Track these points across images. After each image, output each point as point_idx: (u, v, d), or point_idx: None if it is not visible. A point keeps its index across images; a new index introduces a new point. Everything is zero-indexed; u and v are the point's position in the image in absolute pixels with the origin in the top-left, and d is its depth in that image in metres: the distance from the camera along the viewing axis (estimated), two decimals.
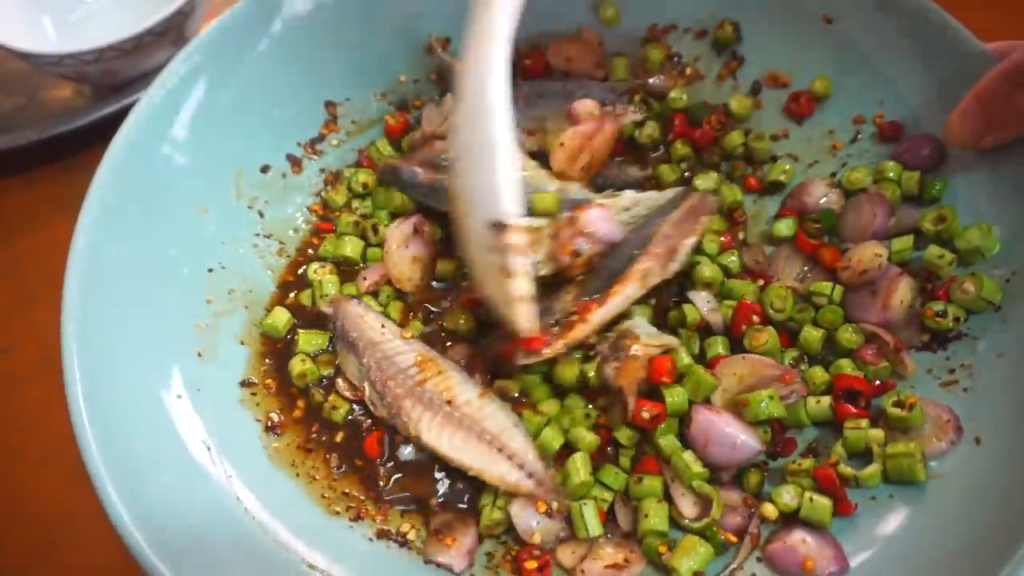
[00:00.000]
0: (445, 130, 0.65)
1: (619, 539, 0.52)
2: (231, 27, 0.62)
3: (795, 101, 0.65)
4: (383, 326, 0.58)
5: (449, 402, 0.53)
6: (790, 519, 0.51)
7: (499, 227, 0.51)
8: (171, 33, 0.73)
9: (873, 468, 0.50)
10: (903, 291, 0.55)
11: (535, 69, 0.70)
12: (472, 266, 0.55)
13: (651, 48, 0.69)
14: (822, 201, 0.61)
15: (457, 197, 0.54)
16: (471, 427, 0.52)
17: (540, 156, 0.63)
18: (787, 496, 0.50)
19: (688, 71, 0.70)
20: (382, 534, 0.52)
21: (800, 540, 0.49)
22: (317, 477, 0.54)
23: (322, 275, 0.62)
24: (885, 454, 0.50)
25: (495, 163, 0.52)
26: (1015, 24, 0.56)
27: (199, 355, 0.57)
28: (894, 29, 0.60)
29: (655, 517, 0.50)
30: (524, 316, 0.52)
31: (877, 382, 0.54)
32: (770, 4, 0.65)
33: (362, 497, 0.54)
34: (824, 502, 0.49)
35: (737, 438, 0.50)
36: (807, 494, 0.50)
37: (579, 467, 0.52)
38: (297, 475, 0.54)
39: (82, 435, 0.46)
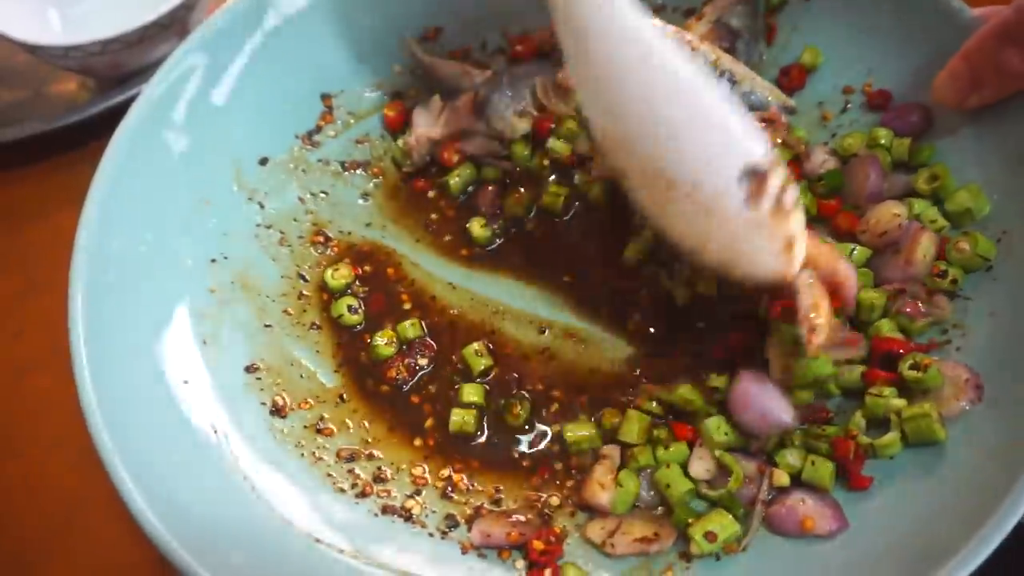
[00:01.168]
0: (440, 132, 0.66)
1: (649, 514, 0.52)
2: (227, 22, 0.63)
3: (786, 75, 0.66)
4: None
5: None
6: (793, 483, 0.51)
7: (758, 174, 0.45)
8: (175, 25, 0.75)
9: (890, 436, 0.49)
10: (926, 245, 0.55)
11: (525, 55, 0.71)
12: (708, 244, 0.49)
13: None
14: (823, 166, 0.61)
15: (655, 174, 0.47)
16: None
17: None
18: (790, 458, 0.51)
19: None
20: (387, 509, 0.54)
21: (799, 500, 0.49)
22: (323, 457, 0.56)
23: None
24: (902, 420, 0.49)
25: (718, 112, 0.46)
26: None
27: (204, 342, 0.58)
28: None
29: (676, 483, 0.51)
30: (799, 256, 0.48)
31: (922, 341, 0.53)
32: None
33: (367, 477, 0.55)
34: (827, 465, 0.50)
35: (769, 409, 0.50)
36: (810, 457, 0.50)
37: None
38: (302, 455, 0.55)
39: (93, 422, 0.48)
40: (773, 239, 0.47)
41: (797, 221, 0.48)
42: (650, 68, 0.45)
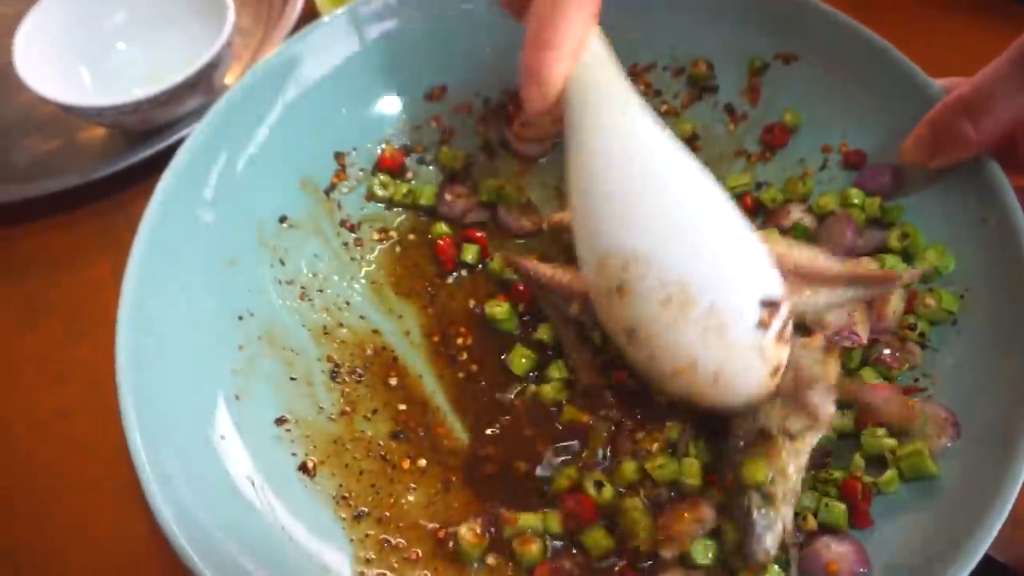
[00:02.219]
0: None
1: None
2: (247, 94, 0.67)
3: (769, 132, 0.71)
4: None
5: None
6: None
7: (773, 303, 0.49)
8: (202, 83, 0.79)
9: (890, 473, 0.53)
10: (895, 302, 0.60)
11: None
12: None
13: None
14: (799, 221, 0.67)
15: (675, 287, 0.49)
16: None
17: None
18: (805, 501, 0.54)
19: (664, 108, 0.76)
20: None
21: (824, 546, 0.52)
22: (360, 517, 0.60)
23: None
24: (897, 458, 0.54)
25: (741, 236, 0.50)
26: (959, 63, 0.62)
27: (236, 397, 0.62)
28: (850, 67, 0.67)
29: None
30: (774, 385, 0.52)
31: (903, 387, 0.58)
32: (737, 46, 0.72)
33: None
34: (839, 506, 0.53)
35: None
36: (823, 499, 0.54)
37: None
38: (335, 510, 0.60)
39: (142, 471, 0.52)
40: (766, 364, 0.51)
41: (786, 352, 0.52)
42: (681, 183, 0.50)
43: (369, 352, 0.68)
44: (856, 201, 0.65)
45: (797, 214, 0.67)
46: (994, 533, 0.47)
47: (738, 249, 0.51)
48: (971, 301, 0.58)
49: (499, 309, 0.66)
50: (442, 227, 0.72)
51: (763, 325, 0.49)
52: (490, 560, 0.57)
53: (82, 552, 0.63)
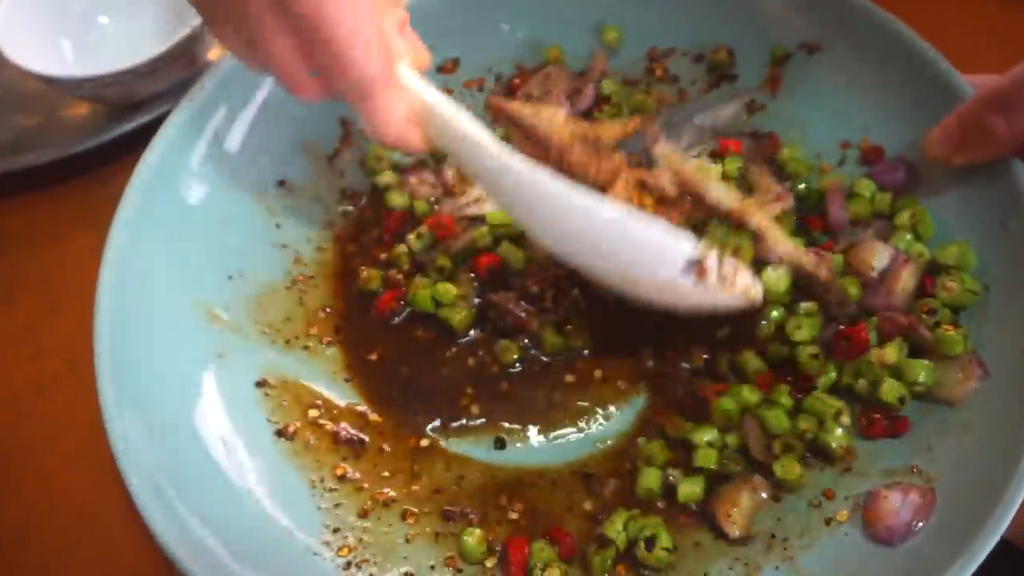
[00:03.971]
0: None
1: None
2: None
3: (763, 139, 0.69)
4: None
5: None
6: None
7: (697, 263, 0.53)
8: (184, 56, 0.78)
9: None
10: (906, 277, 0.58)
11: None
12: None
13: (639, 94, 0.73)
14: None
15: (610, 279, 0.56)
16: None
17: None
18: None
19: (683, 94, 0.73)
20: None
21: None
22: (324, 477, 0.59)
23: None
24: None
25: (641, 231, 0.53)
26: (993, 58, 0.59)
27: (219, 356, 0.61)
28: (877, 59, 0.64)
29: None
30: (755, 294, 0.56)
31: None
32: (760, 34, 0.69)
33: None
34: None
35: None
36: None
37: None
38: (306, 474, 0.58)
39: (115, 434, 0.51)
40: (730, 295, 0.55)
41: (744, 276, 0.55)
42: (553, 201, 0.53)
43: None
44: (864, 192, 0.62)
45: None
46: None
47: (642, 237, 0.54)
48: (984, 303, 0.55)
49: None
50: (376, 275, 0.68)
51: (700, 278, 0.53)
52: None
53: (57, 528, 0.63)
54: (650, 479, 0.56)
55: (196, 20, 0.78)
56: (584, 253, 0.55)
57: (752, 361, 0.59)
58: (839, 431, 0.55)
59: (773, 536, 0.53)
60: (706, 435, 0.57)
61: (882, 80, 0.64)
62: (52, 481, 0.65)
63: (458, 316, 0.64)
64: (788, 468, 0.54)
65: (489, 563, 0.55)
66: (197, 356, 0.60)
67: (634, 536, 0.54)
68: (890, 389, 0.54)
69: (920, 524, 0.48)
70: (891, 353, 0.55)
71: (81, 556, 0.62)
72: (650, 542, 0.53)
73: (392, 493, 0.58)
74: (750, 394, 0.57)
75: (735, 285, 0.54)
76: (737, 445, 0.57)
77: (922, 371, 0.54)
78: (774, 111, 0.70)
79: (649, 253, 0.54)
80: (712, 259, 0.54)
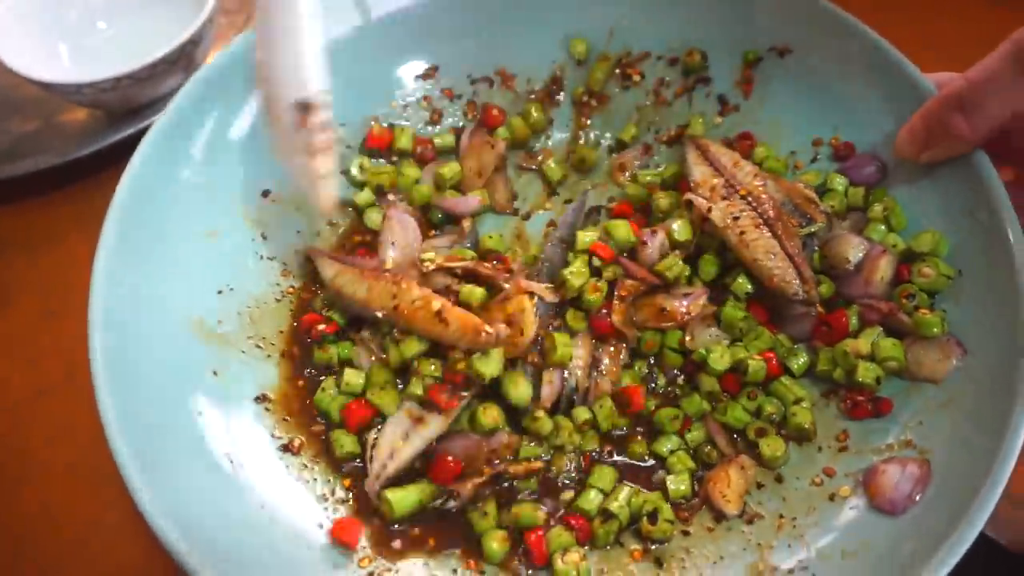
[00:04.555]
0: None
1: None
2: (228, 62, 0.65)
3: (744, 139, 0.72)
4: None
5: None
6: None
7: (305, 107, 0.55)
8: (182, 60, 0.76)
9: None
10: (884, 267, 0.62)
11: None
12: (277, 144, 0.59)
13: (598, 64, 0.75)
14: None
15: (262, 75, 0.58)
16: None
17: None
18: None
19: (659, 96, 0.76)
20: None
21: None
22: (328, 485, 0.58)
23: None
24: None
25: (298, 43, 0.55)
26: (947, 62, 0.63)
27: (214, 373, 0.59)
28: (846, 61, 0.67)
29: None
30: (326, 194, 0.58)
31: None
32: (732, 37, 0.72)
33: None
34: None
35: None
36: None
37: None
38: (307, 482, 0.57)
39: (118, 452, 0.49)
40: (309, 168, 0.57)
41: (325, 164, 0.57)
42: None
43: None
44: (837, 187, 0.66)
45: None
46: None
47: (288, 50, 0.55)
48: (957, 290, 0.59)
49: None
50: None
51: (298, 127, 0.55)
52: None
53: (53, 538, 0.60)
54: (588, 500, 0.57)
55: (196, 23, 0.77)
56: (264, 42, 0.57)
57: (706, 380, 0.62)
58: (802, 411, 0.59)
59: (781, 516, 0.56)
60: (667, 444, 0.60)
61: (850, 80, 0.68)
62: (51, 488, 0.63)
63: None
64: (773, 447, 0.58)
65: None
66: (194, 373, 0.58)
67: (637, 511, 0.56)
68: (865, 371, 0.58)
69: (919, 494, 0.51)
70: (864, 344, 0.59)
71: (79, 564, 0.60)
72: (653, 516, 0.55)
73: None
74: (700, 403, 0.61)
75: (315, 159, 0.57)
76: (703, 440, 0.60)
77: (891, 348, 0.58)
78: (747, 111, 0.73)
79: (290, 62, 0.56)
80: (321, 116, 0.56)
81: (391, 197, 0.72)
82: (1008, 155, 0.61)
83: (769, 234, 0.61)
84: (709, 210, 0.62)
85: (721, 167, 0.65)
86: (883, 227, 0.64)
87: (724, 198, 0.63)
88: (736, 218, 0.62)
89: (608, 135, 0.77)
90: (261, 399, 0.61)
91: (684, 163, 0.67)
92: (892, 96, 0.65)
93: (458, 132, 0.76)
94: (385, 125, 0.74)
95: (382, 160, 0.74)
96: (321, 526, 0.55)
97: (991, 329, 0.55)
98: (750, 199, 0.62)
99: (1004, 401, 0.51)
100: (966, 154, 0.59)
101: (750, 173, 0.65)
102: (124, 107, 0.78)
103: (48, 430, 0.64)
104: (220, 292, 0.63)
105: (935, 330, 0.57)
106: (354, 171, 0.72)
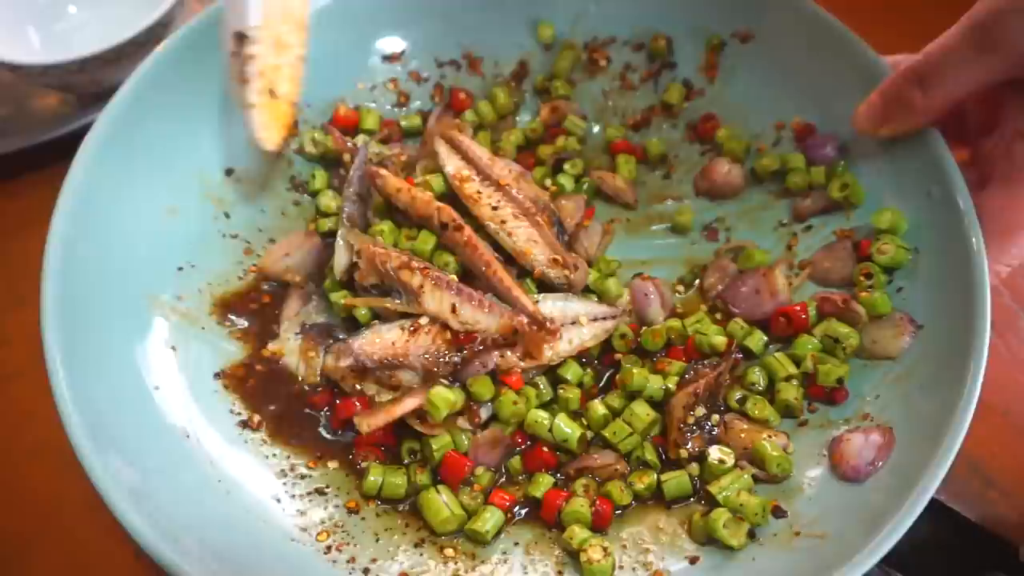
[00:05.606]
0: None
1: None
2: (190, 38, 0.64)
3: (708, 120, 0.73)
4: None
5: None
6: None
7: (241, 37, 0.58)
8: (152, 42, 0.75)
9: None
10: (780, 279, 0.63)
11: None
12: (224, 69, 0.61)
13: (564, 52, 0.76)
14: (726, 176, 0.70)
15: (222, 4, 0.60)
16: None
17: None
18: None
19: (625, 81, 0.76)
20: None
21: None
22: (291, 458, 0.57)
23: None
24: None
25: None
26: (905, 42, 0.64)
27: (173, 349, 0.59)
28: (805, 45, 0.68)
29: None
30: (255, 122, 0.61)
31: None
32: (695, 23, 0.73)
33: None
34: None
35: None
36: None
37: None
38: (271, 458, 0.57)
39: (70, 425, 0.48)
40: (240, 96, 0.60)
41: (253, 95, 0.60)
42: None
43: None
44: (796, 165, 0.67)
45: (724, 167, 0.70)
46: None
47: None
48: (912, 266, 0.60)
49: None
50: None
51: (234, 58, 0.58)
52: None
53: (18, 520, 0.60)
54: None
55: (165, 4, 0.76)
56: None
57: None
58: (792, 387, 0.59)
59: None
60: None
61: (811, 64, 0.69)
62: (14, 473, 0.62)
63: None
64: (760, 408, 0.58)
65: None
66: (152, 348, 0.57)
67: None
68: (826, 374, 0.58)
69: (882, 460, 0.52)
70: (809, 360, 0.59)
71: (42, 548, 0.59)
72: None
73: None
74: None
75: (244, 88, 0.60)
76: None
77: (847, 333, 0.58)
78: (712, 96, 0.74)
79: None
80: (252, 49, 0.58)
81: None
82: (963, 135, 0.62)
83: (527, 224, 0.62)
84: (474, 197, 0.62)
85: (475, 159, 0.65)
86: (845, 213, 0.65)
87: (478, 191, 0.63)
88: (495, 207, 0.62)
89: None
90: (220, 375, 0.60)
91: (436, 157, 0.66)
92: (850, 78, 0.66)
93: (425, 115, 0.76)
94: (352, 107, 0.74)
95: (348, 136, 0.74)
96: (279, 500, 0.54)
97: (945, 303, 0.56)
98: (505, 191, 0.63)
99: (957, 371, 0.52)
100: (921, 132, 0.60)
101: (505, 168, 0.66)
102: (94, 90, 0.77)
103: (14, 415, 0.63)
104: (180, 269, 0.63)
105: (886, 308, 0.58)
106: (308, 147, 0.71)
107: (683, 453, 0.56)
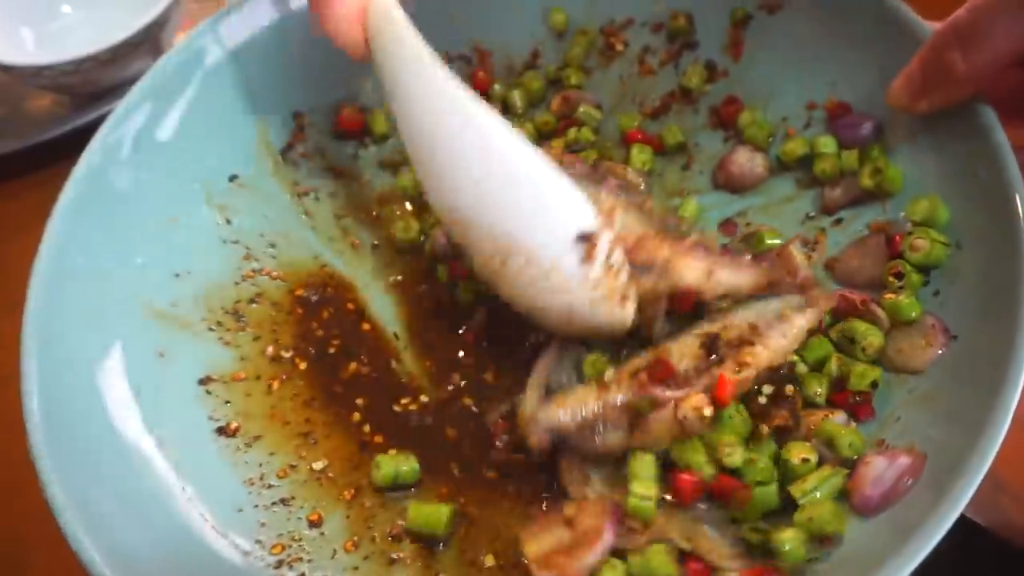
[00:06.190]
0: None
1: None
2: (199, 41, 0.65)
3: (731, 103, 0.66)
4: None
5: None
6: None
7: (589, 237, 0.48)
8: (147, 43, 0.77)
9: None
10: (796, 256, 0.55)
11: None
12: (547, 316, 0.52)
13: (577, 38, 0.71)
14: (747, 166, 0.62)
15: (493, 243, 0.50)
16: None
17: None
18: None
19: (644, 65, 0.70)
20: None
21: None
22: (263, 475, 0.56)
23: None
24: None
25: (535, 182, 0.49)
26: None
27: (161, 355, 0.59)
28: (840, 11, 0.60)
29: None
30: (630, 312, 0.51)
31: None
32: None
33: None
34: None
35: None
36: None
37: None
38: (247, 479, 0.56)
39: (31, 425, 0.50)
40: (609, 295, 0.50)
41: (625, 278, 0.50)
42: (471, 136, 0.49)
43: None
44: (826, 149, 0.59)
45: (745, 155, 0.63)
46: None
47: (544, 194, 0.49)
48: (958, 259, 0.51)
49: None
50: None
51: (588, 260, 0.48)
52: None
53: (14, 525, 0.62)
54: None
55: (161, 4, 0.77)
56: (474, 204, 0.49)
57: None
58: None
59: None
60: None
61: (846, 34, 0.60)
62: (11, 478, 0.63)
63: None
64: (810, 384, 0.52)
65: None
66: (137, 351, 0.58)
67: None
68: (860, 376, 0.50)
69: (897, 497, 0.44)
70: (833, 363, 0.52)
71: (40, 553, 0.61)
72: None
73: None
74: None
75: (618, 279, 0.49)
76: None
77: (868, 333, 0.51)
78: (737, 77, 0.67)
79: (550, 205, 0.49)
80: (606, 239, 0.49)
81: None
82: (1021, 112, 0.52)
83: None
84: None
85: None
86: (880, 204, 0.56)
87: None
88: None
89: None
90: (205, 381, 0.60)
91: None
92: (890, 48, 0.57)
93: None
94: (358, 108, 0.73)
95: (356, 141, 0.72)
96: (241, 511, 0.53)
97: (985, 312, 0.47)
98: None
99: (990, 394, 0.43)
100: (968, 105, 0.51)
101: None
102: (88, 91, 0.79)
103: (10, 419, 0.64)
104: (177, 275, 0.63)
105: (913, 314, 0.50)
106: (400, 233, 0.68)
107: (764, 430, 0.49)
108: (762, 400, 0.50)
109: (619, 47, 0.71)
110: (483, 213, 0.49)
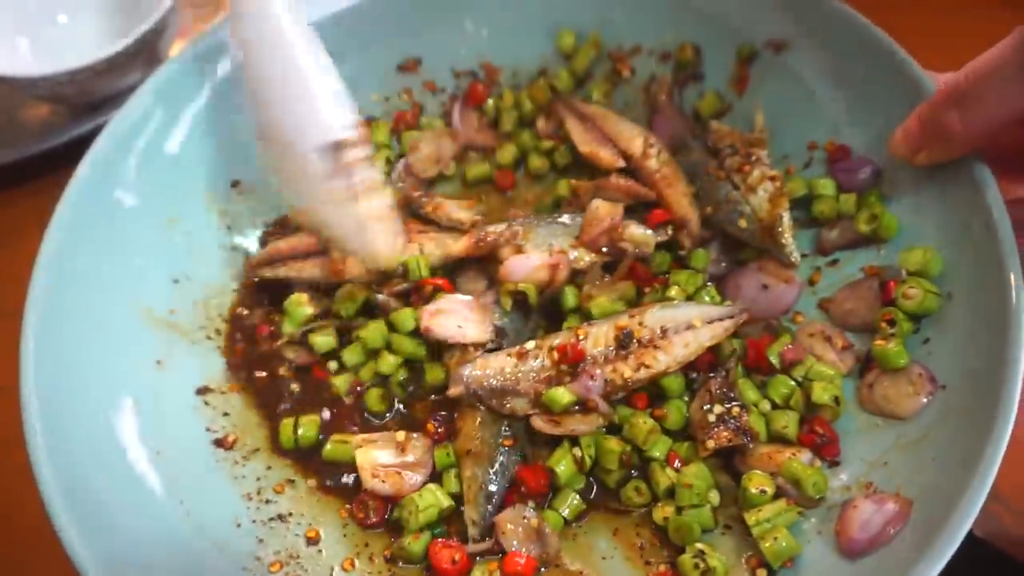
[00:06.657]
0: None
1: None
2: (204, 47, 0.64)
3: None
4: None
5: None
6: None
7: (337, 147, 0.52)
8: (144, 53, 0.76)
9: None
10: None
11: None
12: (309, 209, 0.57)
13: (582, 51, 0.72)
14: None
15: (265, 130, 0.55)
16: None
17: None
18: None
19: (649, 94, 0.71)
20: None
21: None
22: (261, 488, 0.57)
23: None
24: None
25: (303, 79, 0.53)
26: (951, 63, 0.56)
27: (158, 363, 0.59)
28: (846, 56, 0.61)
29: None
30: (383, 239, 0.54)
31: None
32: (727, 31, 0.67)
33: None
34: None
35: None
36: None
37: None
38: (241, 487, 0.56)
39: (30, 433, 0.50)
40: (358, 214, 0.53)
41: (375, 205, 0.53)
42: (275, 47, 0.54)
43: None
44: (825, 191, 0.60)
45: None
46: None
47: (305, 96, 0.53)
48: (948, 309, 0.53)
49: None
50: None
51: (336, 174, 0.52)
52: None
53: (10, 538, 0.61)
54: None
55: (157, 14, 0.76)
56: (266, 103, 0.54)
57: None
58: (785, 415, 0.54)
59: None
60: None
61: (850, 79, 0.62)
62: (5, 490, 0.63)
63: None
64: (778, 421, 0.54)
65: None
66: (135, 361, 0.58)
67: None
68: (821, 390, 0.53)
69: (884, 542, 0.46)
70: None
71: (35, 566, 0.60)
72: None
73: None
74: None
75: (362, 202, 0.53)
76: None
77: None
78: (741, 112, 0.68)
79: (307, 107, 0.53)
80: (353, 155, 0.51)
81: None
82: (1015, 170, 0.54)
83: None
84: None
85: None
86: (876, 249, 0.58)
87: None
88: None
89: None
90: (203, 391, 0.60)
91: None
92: (893, 96, 0.59)
93: (446, 113, 0.74)
94: (362, 118, 0.72)
95: None
96: (239, 525, 0.54)
97: (973, 362, 0.49)
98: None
99: (978, 442, 0.45)
100: (965, 161, 0.53)
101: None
102: (84, 101, 0.78)
103: (5, 431, 0.63)
104: (176, 281, 0.63)
105: (901, 362, 0.51)
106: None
107: (710, 445, 0.52)
108: (711, 419, 0.53)
109: (625, 73, 0.72)
110: (269, 110, 0.54)
